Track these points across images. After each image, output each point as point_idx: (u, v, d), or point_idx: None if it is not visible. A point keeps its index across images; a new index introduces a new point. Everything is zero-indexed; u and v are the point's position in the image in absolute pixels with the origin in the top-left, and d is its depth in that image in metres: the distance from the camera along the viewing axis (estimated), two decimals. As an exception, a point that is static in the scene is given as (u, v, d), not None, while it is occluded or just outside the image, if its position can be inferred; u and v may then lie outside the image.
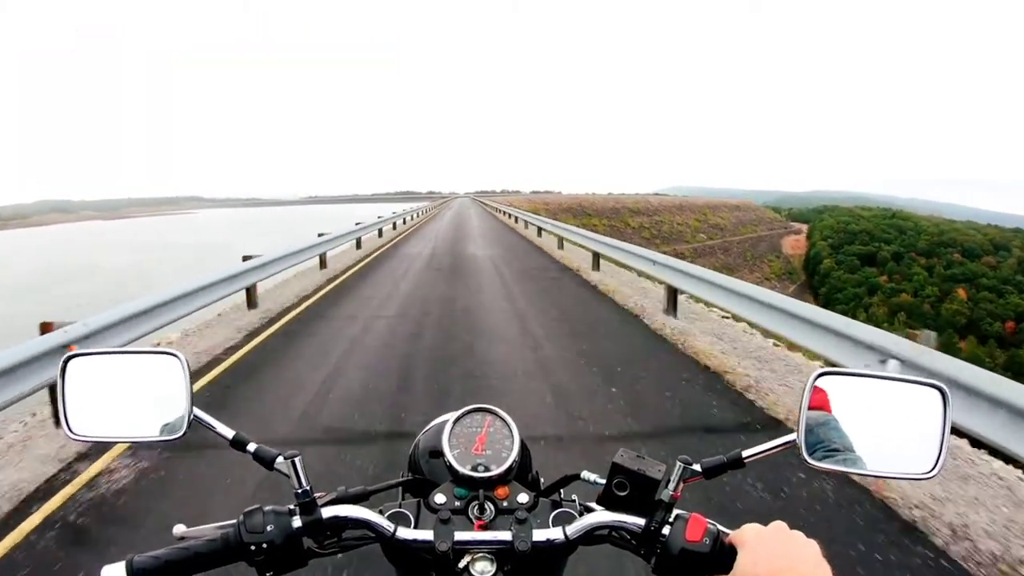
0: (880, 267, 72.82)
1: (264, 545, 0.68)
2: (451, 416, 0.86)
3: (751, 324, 5.69)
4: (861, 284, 68.40)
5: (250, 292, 7.65)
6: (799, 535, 0.61)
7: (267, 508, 0.70)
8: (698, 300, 7.00)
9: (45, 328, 4.00)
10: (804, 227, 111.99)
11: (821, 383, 0.72)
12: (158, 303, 5.04)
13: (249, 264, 7.42)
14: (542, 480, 0.87)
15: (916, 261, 72.14)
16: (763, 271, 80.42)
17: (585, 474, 0.82)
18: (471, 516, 0.75)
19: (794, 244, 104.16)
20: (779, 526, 0.63)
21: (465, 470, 0.78)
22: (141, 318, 4.77)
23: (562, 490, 0.83)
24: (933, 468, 0.69)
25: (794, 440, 0.71)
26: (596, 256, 10.93)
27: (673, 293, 7.13)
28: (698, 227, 79.36)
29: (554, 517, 0.76)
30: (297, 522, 0.70)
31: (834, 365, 3.65)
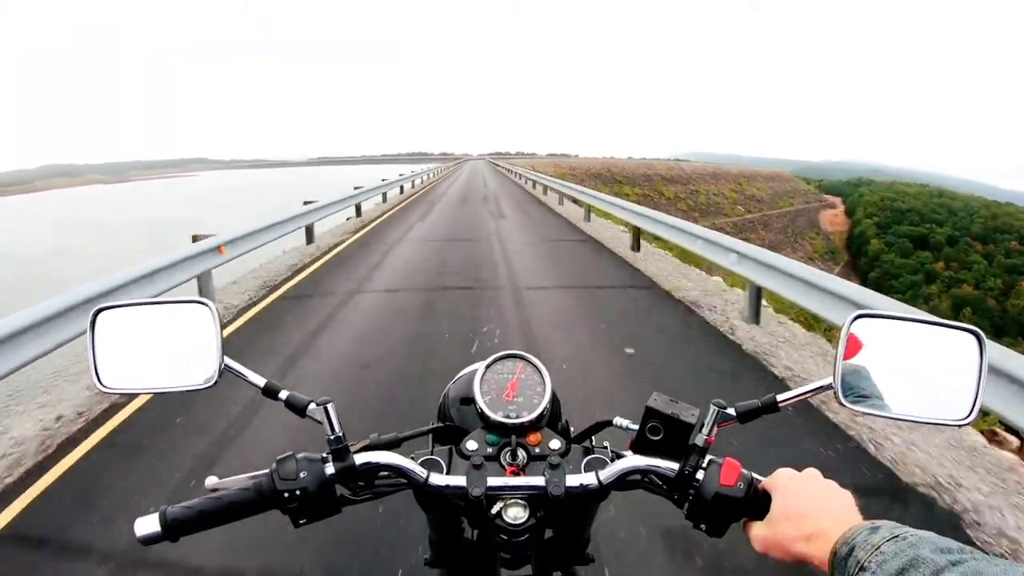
0: (934, 252, 67.88)
1: (297, 492, 0.69)
2: (482, 363, 0.85)
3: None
4: (916, 270, 59.74)
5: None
6: (833, 484, 0.62)
7: (300, 455, 0.70)
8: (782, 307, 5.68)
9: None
10: (837, 200, 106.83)
11: (857, 326, 0.71)
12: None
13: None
14: (572, 428, 0.85)
15: (972, 247, 66.41)
16: (805, 249, 75.03)
17: (618, 420, 0.81)
18: (503, 462, 0.75)
19: (832, 219, 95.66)
20: (812, 473, 0.63)
21: (497, 416, 0.78)
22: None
23: (593, 437, 0.82)
24: (969, 414, 0.68)
25: (830, 383, 0.70)
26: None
27: (757, 294, 5.38)
28: (735, 199, 71.69)
29: (586, 463, 0.76)
30: (330, 469, 0.71)
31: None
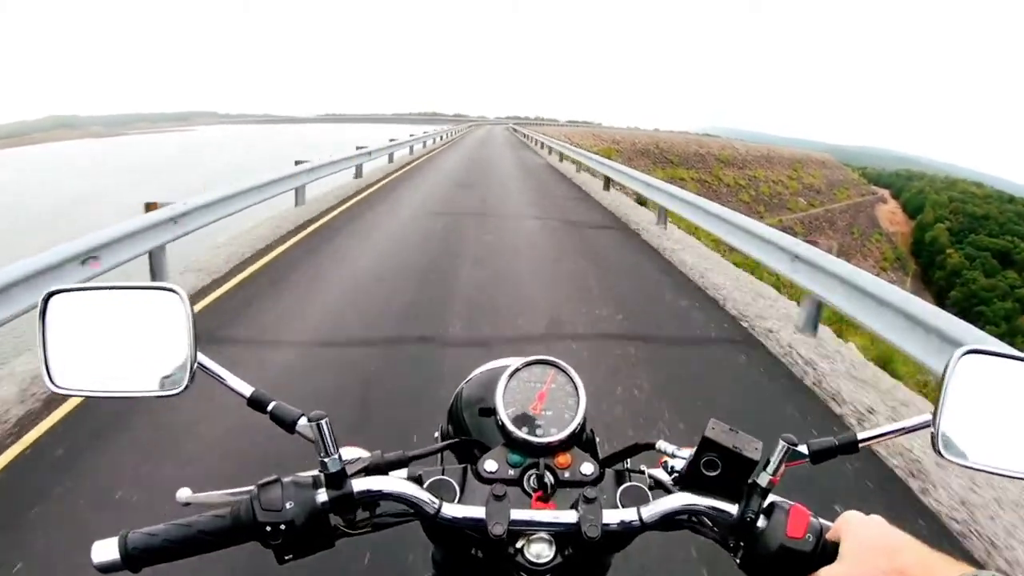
0: (1019, 271, 59.48)
1: (282, 526, 0.59)
2: (505, 366, 0.77)
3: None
4: (1005, 295, 48.49)
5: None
6: (903, 533, 0.55)
7: (287, 480, 0.62)
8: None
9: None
10: (886, 192, 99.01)
11: (966, 362, 0.63)
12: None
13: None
14: (598, 440, 0.79)
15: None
16: (874, 255, 67.41)
17: (661, 444, 0.73)
18: (527, 488, 0.67)
19: (891, 217, 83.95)
20: (879, 520, 0.57)
21: (522, 433, 0.69)
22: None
23: (628, 460, 0.74)
24: None
25: (927, 423, 0.61)
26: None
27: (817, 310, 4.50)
28: (795, 188, 60.35)
29: (622, 493, 0.67)
30: (323, 496, 0.62)
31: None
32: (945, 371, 0.62)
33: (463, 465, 0.70)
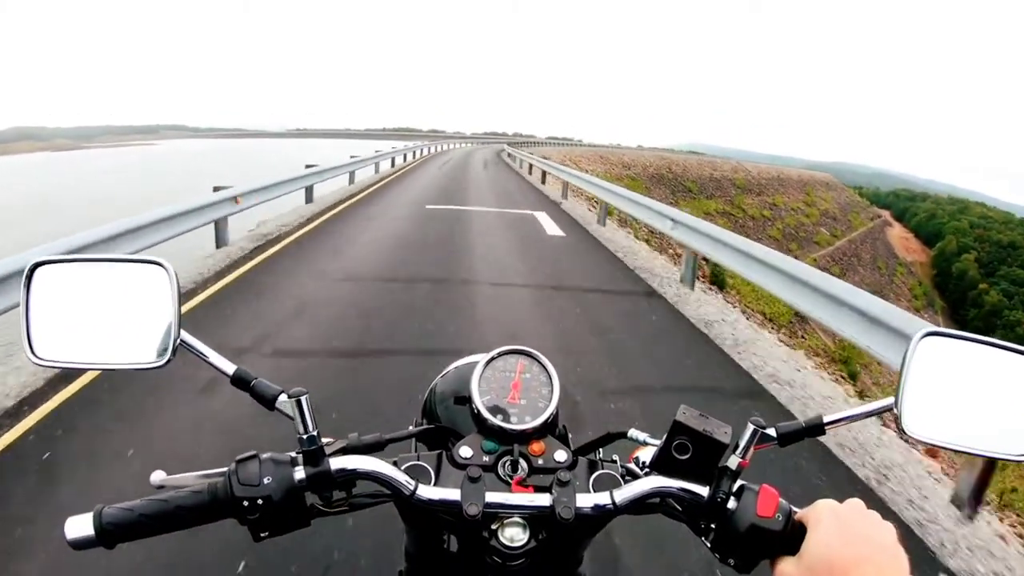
0: None
1: (259, 501, 0.60)
2: (480, 358, 0.79)
3: None
4: None
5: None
6: (875, 516, 0.58)
7: (264, 456, 0.63)
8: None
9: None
10: (886, 213, 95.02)
11: (925, 344, 0.67)
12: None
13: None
14: (570, 436, 0.81)
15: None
16: (904, 293, 59.38)
17: (633, 432, 0.76)
18: (501, 474, 0.68)
19: (905, 245, 76.17)
20: (855, 504, 0.59)
21: (496, 420, 0.71)
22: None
23: (601, 449, 0.77)
24: None
25: (891, 405, 0.65)
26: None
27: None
28: (815, 217, 52.90)
29: (595, 480, 0.69)
30: (300, 474, 0.63)
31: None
32: (906, 353, 0.66)
33: (438, 451, 0.71)
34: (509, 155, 30.12)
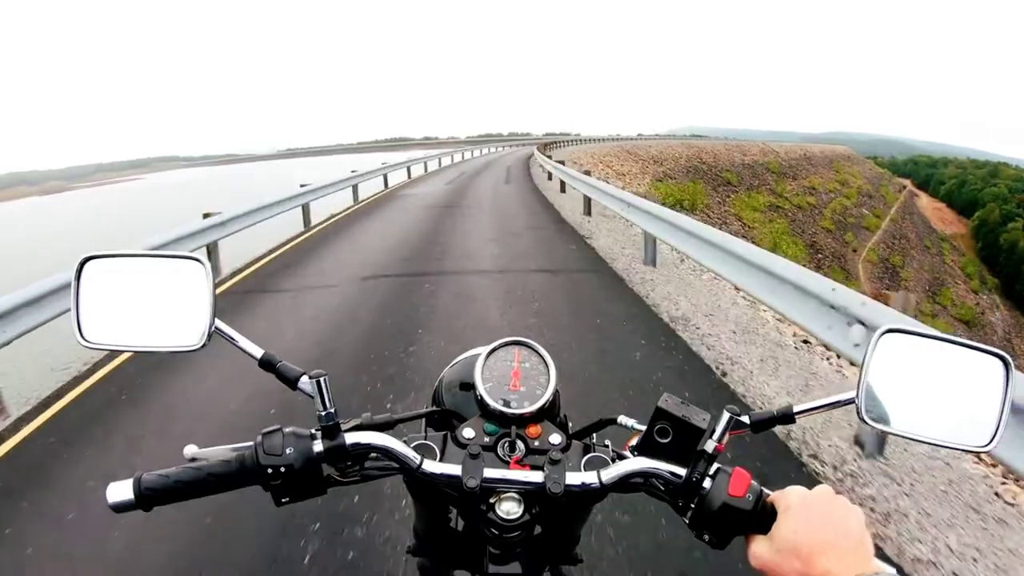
0: None
1: (282, 469, 0.67)
2: (484, 348, 0.85)
3: None
4: None
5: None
6: (843, 501, 0.62)
7: (287, 430, 0.69)
8: None
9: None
10: (907, 182, 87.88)
11: (886, 340, 0.72)
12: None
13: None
14: (571, 424, 0.86)
15: None
16: (957, 275, 53.47)
17: (622, 419, 0.82)
18: (500, 454, 0.74)
19: (939, 216, 70.77)
20: (823, 491, 0.63)
21: (497, 405, 0.77)
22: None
23: (595, 435, 0.83)
24: (990, 441, 0.68)
25: (852, 398, 0.70)
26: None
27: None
28: (854, 197, 48.70)
29: (587, 461, 0.75)
30: (319, 446, 0.69)
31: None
32: (867, 349, 0.70)
33: (444, 432, 0.78)
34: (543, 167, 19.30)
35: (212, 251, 7.94)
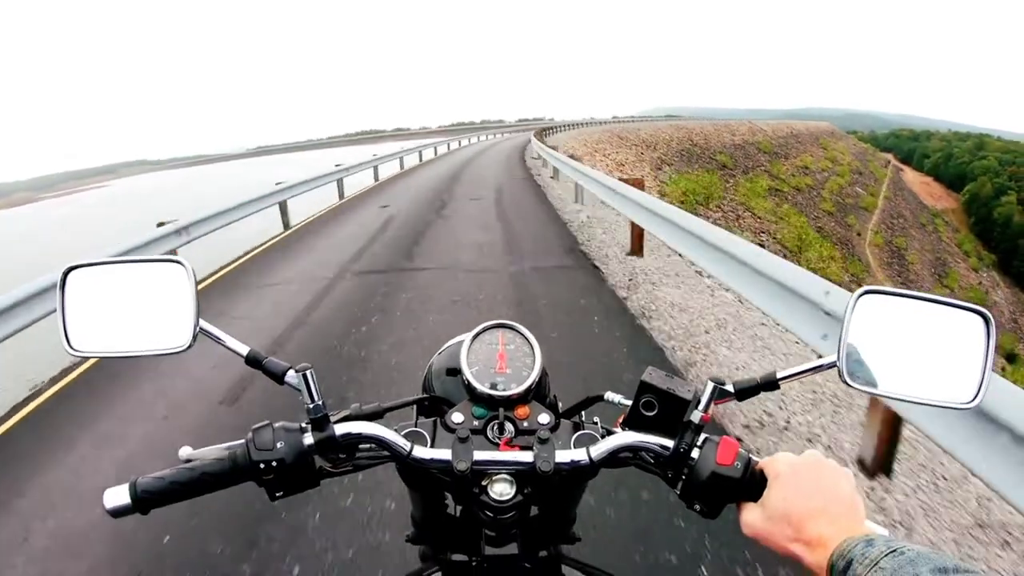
0: None
1: (274, 463, 0.68)
2: (469, 333, 0.86)
3: None
4: None
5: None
6: (832, 465, 0.63)
7: (277, 424, 0.71)
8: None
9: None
10: (890, 156, 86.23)
11: (864, 302, 0.71)
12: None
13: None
14: (560, 404, 0.87)
15: None
16: (956, 252, 52.74)
17: (609, 395, 0.83)
18: (490, 436, 0.75)
19: (928, 191, 69.12)
20: (812, 456, 0.64)
21: (484, 388, 0.78)
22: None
23: (583, 412, 0.84)
24: (974, 398, 0.68)
25: (834, 361, 0.71)
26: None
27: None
28: (847, 175, 47.45)
29: (576, 439, 0.77)
30: (309, 439, 0.70)
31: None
32: (845, 310, 0.71)
33: (433, 419, 0.79)
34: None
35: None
